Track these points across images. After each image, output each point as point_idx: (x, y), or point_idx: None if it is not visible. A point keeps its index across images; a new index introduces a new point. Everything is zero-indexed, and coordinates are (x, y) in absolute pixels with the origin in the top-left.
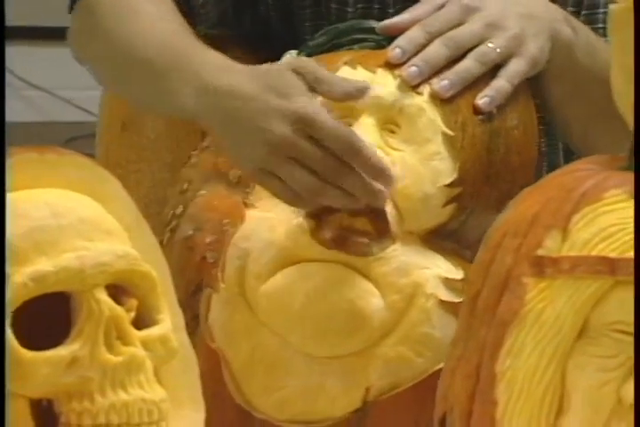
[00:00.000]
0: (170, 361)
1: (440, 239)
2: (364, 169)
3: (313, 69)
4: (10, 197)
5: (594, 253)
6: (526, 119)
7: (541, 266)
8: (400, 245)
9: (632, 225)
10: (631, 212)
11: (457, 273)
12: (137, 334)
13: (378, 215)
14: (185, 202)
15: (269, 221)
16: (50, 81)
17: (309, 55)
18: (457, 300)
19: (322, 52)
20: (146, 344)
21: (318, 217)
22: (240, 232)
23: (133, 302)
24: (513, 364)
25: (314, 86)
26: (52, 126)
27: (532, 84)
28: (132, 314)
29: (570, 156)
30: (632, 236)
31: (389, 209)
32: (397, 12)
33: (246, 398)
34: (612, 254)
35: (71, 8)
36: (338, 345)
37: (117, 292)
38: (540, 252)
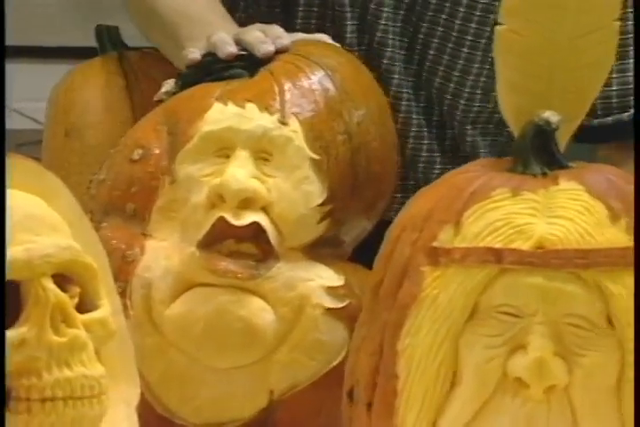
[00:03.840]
0: (108, 342)
1: (319, 248)
2: None
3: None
4: None
5: (482, 244)
6: (383, 130)
7: (436, 256)
8: (284, 263)
9: (515, 220)
10: (514, 208)
11: (338, 280)
12: (80, 318)
13: (260, 239)
14: None
15: (165, 250)
16: None
17: (185, 84)
18: (340, 305)
19: (195, 82)
20: (87, 327)
21: (208, 246)
22: (142, 262)
23: (76, 290)
24: (412, 342)
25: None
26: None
27: None
28: (76, 300)
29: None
30: (515, 229)
31: (270, 231)
32: None
33: (166, 408)
34: (498, 245)
35: None
36: (239, 358)
37: (62, 280)
38: (435, 244)
